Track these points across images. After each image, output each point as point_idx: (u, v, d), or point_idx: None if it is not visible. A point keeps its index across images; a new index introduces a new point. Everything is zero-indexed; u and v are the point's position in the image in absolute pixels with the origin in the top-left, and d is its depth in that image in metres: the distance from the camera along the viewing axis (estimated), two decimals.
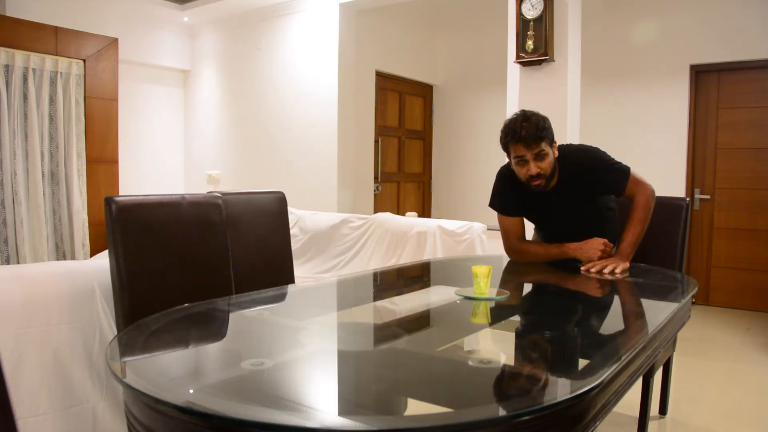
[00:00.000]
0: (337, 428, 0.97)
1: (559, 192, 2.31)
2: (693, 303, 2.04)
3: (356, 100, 5.05)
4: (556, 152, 2.26)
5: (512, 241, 2.44)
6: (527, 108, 2.29)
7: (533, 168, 2.17)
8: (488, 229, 3.61)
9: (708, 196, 4.80)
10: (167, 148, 5.89)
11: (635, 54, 4.95)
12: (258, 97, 5.40)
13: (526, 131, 2.13)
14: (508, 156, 2.27)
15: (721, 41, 4.59)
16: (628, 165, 2.32)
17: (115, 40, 4.70)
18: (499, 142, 2.27)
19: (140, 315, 1.59)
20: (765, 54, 4.43)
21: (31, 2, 4.51)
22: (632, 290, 2.12)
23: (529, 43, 3.60)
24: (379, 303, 2.04)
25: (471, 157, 6.03)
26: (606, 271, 2.14)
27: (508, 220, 2.44)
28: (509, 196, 2.42)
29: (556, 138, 2.27)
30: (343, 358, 1.36)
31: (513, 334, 1.56)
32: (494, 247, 3.36)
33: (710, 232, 4.80)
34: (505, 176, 2.44)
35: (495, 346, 1.55)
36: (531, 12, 3.61)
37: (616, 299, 2.08)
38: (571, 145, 2.43)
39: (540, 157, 2.16)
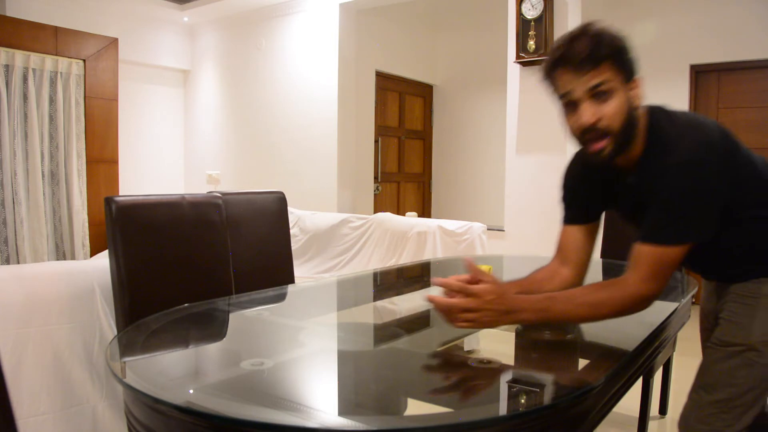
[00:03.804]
0: (337, 428, 0.97)
1: (636, 178, 1.34)
2: (693, 303, 2.03)
3: (356, 100, 5.04)
4: (640, 96, 1.32)
5: (552, 262, 1.55)
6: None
7: (586, 113, 1.25)
8: (488, 229, 3.61)
9: None
10: (167, 148, 5.89)
11: (635, 54, 4.94)
12: (258, 97, 5.39)
13: (578, 47, 1.27)
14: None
15: (721, 41, 4.59)
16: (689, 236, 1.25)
17: (115, 40, 4.70)
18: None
19: (140, 315, 1.59)
20: (765, 54, 4.43)
21: (31, 2, 4.51)
22: None
23: (531, 43, 3.60)
24: (379, 303, 2.04)
25: (471, 157, 6.03)
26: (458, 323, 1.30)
27: (565, 230, 1.54)
28: (572, 186, 1.53)
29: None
30: (343, 358, 1.36)
31: (513, 335, 1.56)
32: (494, 247, 3.36)
33: None
34: (575, 158, 1.54)
35: (495, 346, 1.55)
36: (531, 12, 3.61)
37: None
38: (693, 119, 1.32)
39: (599, 94, 1.25)
